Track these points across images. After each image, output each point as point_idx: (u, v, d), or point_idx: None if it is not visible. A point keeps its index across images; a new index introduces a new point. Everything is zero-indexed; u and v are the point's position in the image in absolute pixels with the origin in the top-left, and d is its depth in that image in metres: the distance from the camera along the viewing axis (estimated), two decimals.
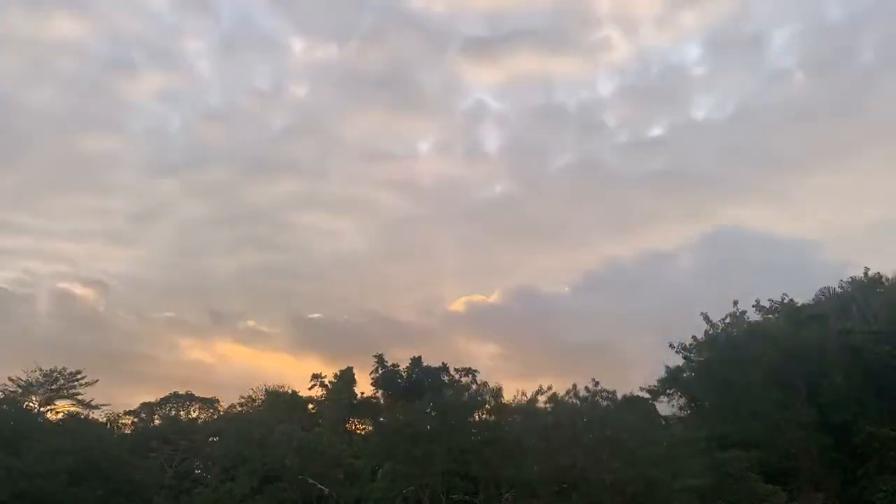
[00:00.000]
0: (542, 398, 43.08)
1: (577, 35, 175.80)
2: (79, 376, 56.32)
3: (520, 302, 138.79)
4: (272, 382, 65.53)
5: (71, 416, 55.02)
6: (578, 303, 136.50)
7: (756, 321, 53.28)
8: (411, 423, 36.57)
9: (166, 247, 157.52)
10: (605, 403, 43.08)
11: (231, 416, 60.79)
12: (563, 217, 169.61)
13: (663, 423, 51.17)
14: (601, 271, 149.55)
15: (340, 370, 59.85)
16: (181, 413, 68.62)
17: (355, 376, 59.69)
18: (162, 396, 69.29)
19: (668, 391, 54.89)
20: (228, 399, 70.89)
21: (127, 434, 60.51)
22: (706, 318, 53.14)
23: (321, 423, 49.22)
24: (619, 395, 47.34)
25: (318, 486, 36.67)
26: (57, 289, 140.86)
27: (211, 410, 69.26)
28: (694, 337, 53.16)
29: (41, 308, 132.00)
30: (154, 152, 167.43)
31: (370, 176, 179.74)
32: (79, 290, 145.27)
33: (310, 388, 59.85)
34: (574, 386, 43.72)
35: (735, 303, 53.25)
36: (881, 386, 44.44)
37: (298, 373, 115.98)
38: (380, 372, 59.52)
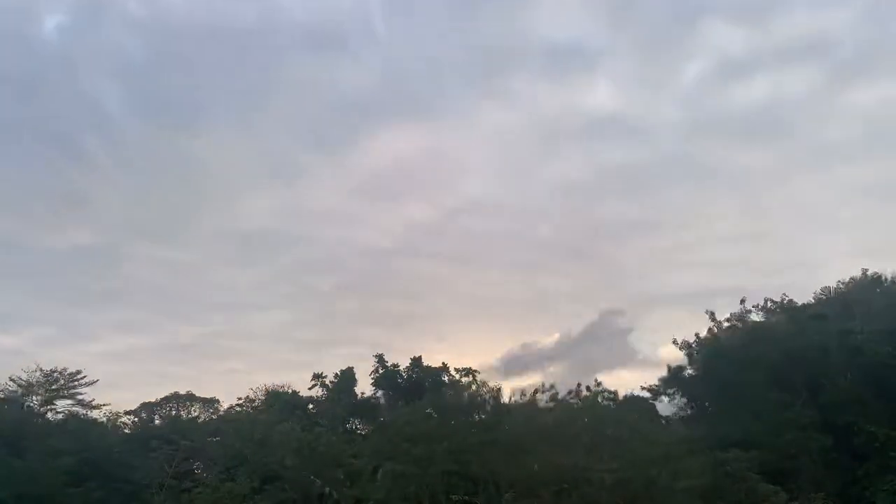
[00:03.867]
0: (541, 398, 43.12)
1: None
2: (79, 376, 56.41)
3: None
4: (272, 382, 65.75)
5: (71, 416, 55.09)
6: None
7: (758, 321, 53.32)
8: (411, 423, 36.53)
9: None
10: (605, 403, 43.06)
11: (231, 416, 60.73)
12: None
13: (663, 423, 51.19)
14: None
15: (340, 370, 59.93)
16: (181, 413, 68.75)
17: (355, 376, 59.75)
18: (162, 396, 69.60)
19: (668, 391, 54.94)
20: (228, 399, 71.17)
21: (127, 434, 60.52)
22: (711, 316, 53.19)
23: (321, 423, 49.14)
24: (620, 395, 47.43)
25: (319, 485, 36.66)
26: None
27: (211, 410, 69.39)
28: (697, 334, 53.24)
29: None
30: None
31: None
32: None
33: (310, 388, 59.86)
34: (577, 385, 43.79)
35: (742, 301, 53.40)
36: (882, 386, 44.46)
37: None
38: (380, 372, 59.53)
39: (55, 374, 55.41)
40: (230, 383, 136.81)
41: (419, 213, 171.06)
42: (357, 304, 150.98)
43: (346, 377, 59.16)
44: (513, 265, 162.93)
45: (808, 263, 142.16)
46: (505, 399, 42.86)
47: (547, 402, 43.13)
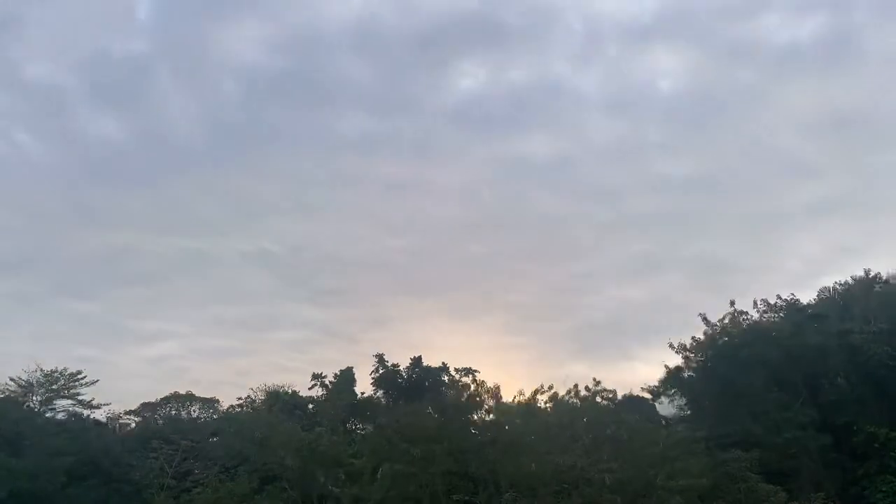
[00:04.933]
0: (541, 398, 43.11)
1: None
2: (79, 376, 56.40)
3: None
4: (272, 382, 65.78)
5: (71, 416, 55.10)
6: None
7: (756, 321, 53.29)
8: (411, 423, 36.54)
9: None
10: (605, 403, 43.05)
11: (231, 416, 60.78)
12: None
13: (663, 423, 51.16)
14: None
15: (341, 370, 59.96)
16: (181, 413, 68.76)
17: (355, 376, 59.80)
18: (162, 396, 69.55)
19: (668, 391, 54.88)
20: (228, 399, 71.10)
21: (127, 434, 60.54)
22: (704, 319, 53.16)
23: (321, 423, 49.13)
24: (620, 395, 47.39)
25: (318, 486, 36.64)
26: None
27: (211, 410, 69.40)
28: (693, 337, 53.24)
29: None
30: None
31: None
32: None
33: (310, 388, 59.90)
34: (574, 386, 43.77)
35: (732, 303, 53.29)
36: (881, 386, 44.52)
37: None
38: (380, 372, 59.62)
39: (55, 374, 55.41)
40: (162, 372, 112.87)
41: (302, 153, 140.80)
42: (277, 278, 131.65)
43: (346, 377, 59.21)
44: (430, 226, 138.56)
45: (772, 222, 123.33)
46: (505, 399, 42.88)
47: (546, 402, 43.19)
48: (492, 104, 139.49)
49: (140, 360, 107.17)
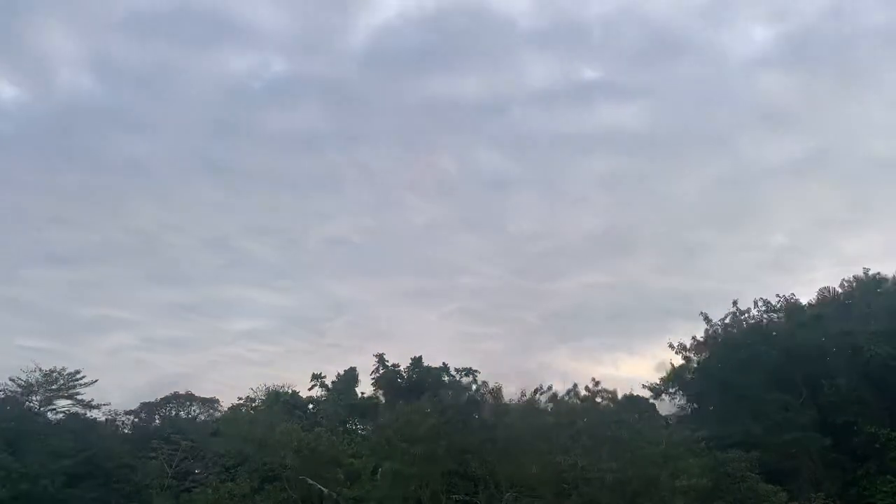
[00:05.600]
0: (541, 398, 43.17)
1: None
2: (78, 376, 56.36)
3: None
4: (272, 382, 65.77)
5: (71, 416, 55.08)
6: None
7: (757, 321, 53.30)
8: (411, 422, 36.57)
9: None
10: (604, 403, 43.10)
11: (231, 416, 60.71)
12: None
13: (663, 422, 51.18)
14: None
15: (342, 370, 60.07)
16: (181, 413, 68.78)
17: (357, 376, 59.87)
18: (162, 396, 69.56)
19: (669, 390, 54.90)
20: (228, 399, 71.04)
21: (127, 434, 60.53)
22: (706, 318, 53.13)
23: (321, 423, 49.13)
24: (620, 395, 47.44)
25: (318, 486, 36.65)
26: None
27: (211, 410, 69.42)
28: (694, 337, 53.23)
29: None
30: None
31: None
32: None
33: (310, 388, 59.94)
34: (574, 385, 43.82)
35: (735, 302, 53.26)
36: (882, 386, 44.47)
37: None
38: (380, 372, 59.67)
39: (55, 374, 55.35)
40: (120, 364, 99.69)
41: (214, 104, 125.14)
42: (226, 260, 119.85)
43: (347, 377, 59.29)
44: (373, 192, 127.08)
45: (746, 189, 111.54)
46: (504, 399, 42.92)
47: (546, 402, 43.24)
48: (411, 36, 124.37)
49: (94, 351, 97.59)
